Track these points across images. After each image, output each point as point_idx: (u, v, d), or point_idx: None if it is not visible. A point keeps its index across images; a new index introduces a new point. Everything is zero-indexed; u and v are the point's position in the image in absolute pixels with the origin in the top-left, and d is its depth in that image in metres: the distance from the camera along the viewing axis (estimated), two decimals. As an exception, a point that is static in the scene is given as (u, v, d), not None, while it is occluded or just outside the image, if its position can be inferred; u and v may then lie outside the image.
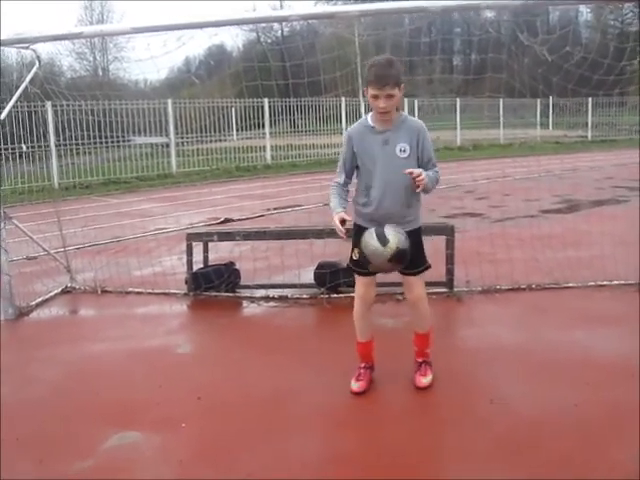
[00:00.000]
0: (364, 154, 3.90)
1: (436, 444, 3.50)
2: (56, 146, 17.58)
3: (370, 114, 3.92)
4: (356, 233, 3.95)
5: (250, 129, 23.08)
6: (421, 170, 3.73)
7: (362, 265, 3.88)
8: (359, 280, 4.07)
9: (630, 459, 3.16)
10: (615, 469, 3.11)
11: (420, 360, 4.18)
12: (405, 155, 3.83)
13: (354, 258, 3.95)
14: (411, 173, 3.70)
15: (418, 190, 3.75)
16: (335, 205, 3.91)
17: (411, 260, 3.86)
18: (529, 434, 3.47)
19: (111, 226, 10.72)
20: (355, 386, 4.06)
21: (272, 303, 6.16)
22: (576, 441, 3.38)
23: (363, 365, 4.17)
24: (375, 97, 3.71)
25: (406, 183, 3.81)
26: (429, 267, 4.09)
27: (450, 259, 6.14)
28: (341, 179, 4.00)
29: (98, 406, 4.03)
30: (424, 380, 4.09)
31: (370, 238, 3.68)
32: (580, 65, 7.93)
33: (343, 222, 3.80)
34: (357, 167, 3.98)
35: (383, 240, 3.63)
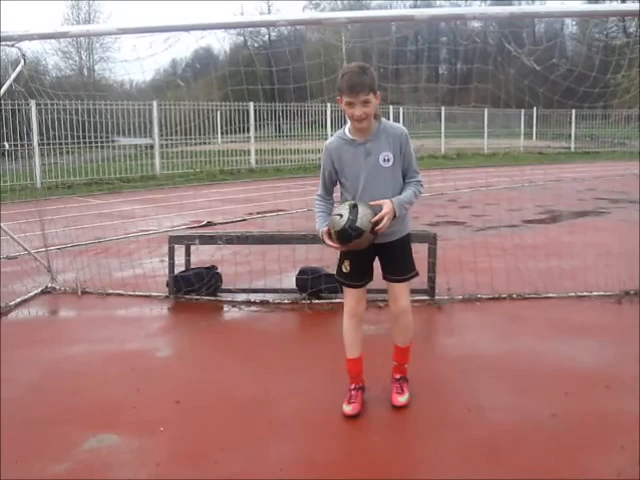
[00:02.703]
0: (346, 168, 3.70)
1: (413, 451, 3.51)
2: (39, 145, 17.48)
3: (348, 125, 3.72)
4: None
5: (235, 133, 23.10)
6: (385, 212, 3.55)
7: (352, 277, 3.82)
8: (349, 293, 3.88)
9: (606, 469, 3.18)
10: (589, 478, 3.12)
11: (398, 377, 4.04)
12: (389, 164, 3.66)
13: (344, 271, 3.83)
14: (380, 218, 3.53)
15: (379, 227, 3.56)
16: (320, 225, 3.76)
17: (398, 267, 3.84)
18: (506, 443, 3.48)
19: (93, 227, 10.68)
20: (348, 409, 3.83)
21: (253, 307, 6.15)
22: (553, 451, 3.39)
23: (354, 386, 3.93)
24: (350, 105, 3.52)
25: (392, 194, 3.68)
26: (417, 274, 3.96)
27: (432, 267, 6.16)
28: (324, 194, 3.87)
29: (76, 408, 4.00)
30: (401, 399, 3.93)
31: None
32: (566, 77, 8.00)
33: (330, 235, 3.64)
34: (340, 182, 3.80)
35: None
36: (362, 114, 3.53)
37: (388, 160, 3.67)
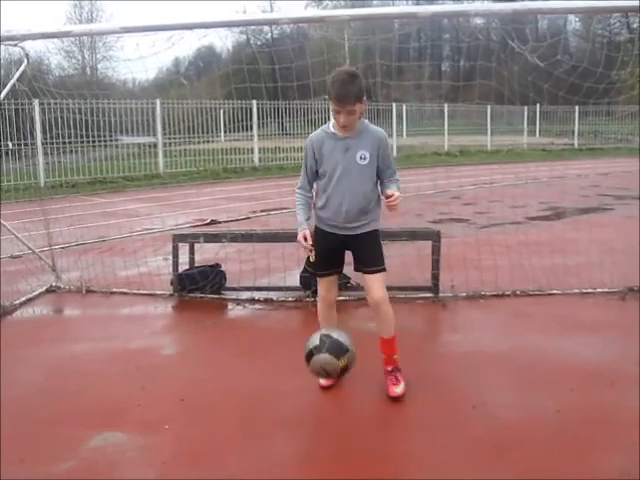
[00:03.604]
0: (325, 160, 3.94)
1: (418, 448, 3.50)
2: (43, 144, 17.48)
3: (333, 121, 3.96)
4: (316, 235, 4.03)
5: (238, 131, 23.07)
6: (398, 194, 3.81)
7: (319, 267, 4.04)
8: (320, 282, 4.15)
9: (610, 466, 3.18)
10: (595, 476, 3.12)
11: (389, 368, 4.13)
12: (365, 162, 3.90)
13: (310, 260, 4.03)
14: (392, 195, 3.79)
15: (391, 210, 3.84)
16: (301, 220, 3.99)
17: (369, 258, 4.02)
18: (511, 440, 3.48)
19: (97, 226, 10.69)
20: (323, 380, 4.11)
21: (257, 305, 6.16)
22: (557, 447, 3.39)
23: None
24: (337, 112, 3.78)
25: (365, 190, 3.94)
26: (384, 270, 4.07)
27: (436, 264, 6.16)
28: (305, 186, 4.07)
29: (81, 407, 4.01)
30: (397, 389, 4.03)
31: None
32: (570, 73, 7.98)
33: (306, 238, 3.90)
34: (317, 173, 4.03)
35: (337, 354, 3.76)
36: (346, 122, 3.80)
37: (364, 158, 3.91)
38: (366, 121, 4.00)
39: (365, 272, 4.04)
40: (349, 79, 3.74)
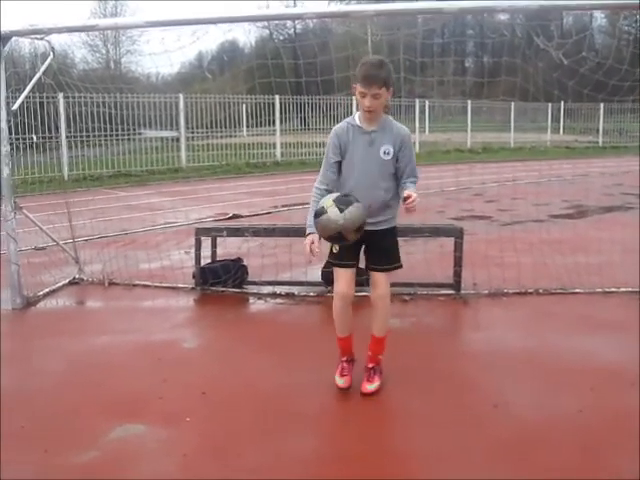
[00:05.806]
0: (348, 152, 3.93)
1: (438, 446, 3.48)
2: (67, 137, 17.61)
3: (358, 113, 3.96)
4: None
5: (260, 126, 23.08)
6: (415, 196, 3.67)
7: (343, 256, 3.94)
8: (340, 276, 4.00)
9: (632, 467, 3.15)
10: (616, 476, 3.10)
11: (370, 366, 4.13)
12: (388, 157, 3.90)
13: (334, 252, 3.97)
14: (409, 196, 3.66)
15: (408, 212, 3.72)
16: (312, 221, 3.85)
17: (386, 256, 3.99)
18: (532, 439, 3.46)
19: (120, 219, 10.75)
20: (341, 382, 4.08)
21: (279, 300, 6.17)
22: (579, 447, 3.37)
23: (345, 358, 4.17)
24: (362, 95, 3.75)
25: (387, 185, 3.93)
26: (401, 266, 4.07)
27: (458, 261, 6.14)
28: (325, 180, 3.98)
29: (102, 398, 4.04)
30: (369, 387, 4.05)
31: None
32: (595, 70, 7.90)
33: (313, 243, 3.84)
34: (339, 165, 3.99)
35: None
36: (371, 105, 3.77)
37: (388, 153, 3.90)
38: (390, 117, 3.98)
39: (375, 270, 4.02)
40: (378, 64, 3.76)
